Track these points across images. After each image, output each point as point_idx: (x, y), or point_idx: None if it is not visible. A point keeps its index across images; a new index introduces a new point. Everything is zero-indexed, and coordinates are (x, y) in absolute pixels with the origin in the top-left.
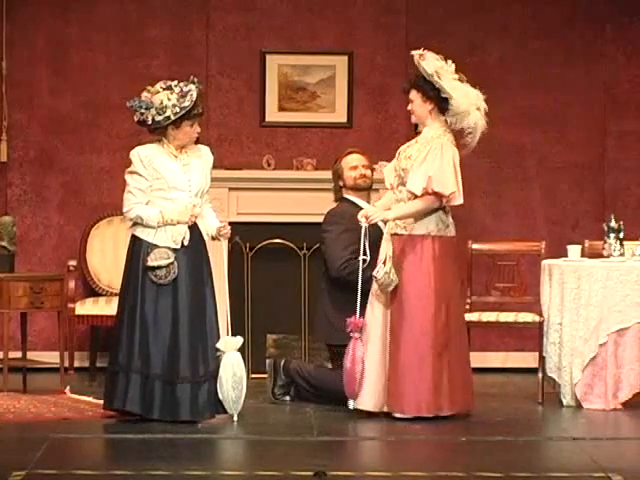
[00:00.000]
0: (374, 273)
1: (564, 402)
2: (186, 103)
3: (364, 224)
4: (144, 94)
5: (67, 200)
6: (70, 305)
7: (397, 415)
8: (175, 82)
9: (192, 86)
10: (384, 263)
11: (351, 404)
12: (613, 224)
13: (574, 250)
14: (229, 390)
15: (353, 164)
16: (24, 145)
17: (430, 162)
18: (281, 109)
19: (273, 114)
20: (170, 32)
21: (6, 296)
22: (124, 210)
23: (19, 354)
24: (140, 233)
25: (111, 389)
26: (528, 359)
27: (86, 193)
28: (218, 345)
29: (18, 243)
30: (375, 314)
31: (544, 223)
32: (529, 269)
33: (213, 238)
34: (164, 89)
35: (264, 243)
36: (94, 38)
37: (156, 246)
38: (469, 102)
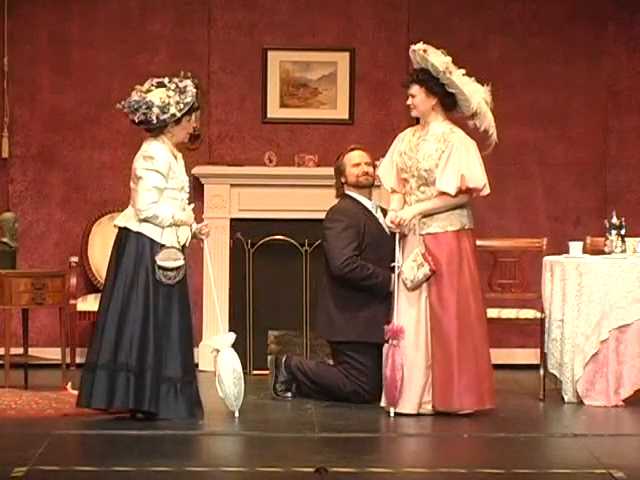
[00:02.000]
0: (404, 274)
1: (565, 399)
2: (188, 99)
3: (397, 231)
4: (135, 94)
5: (69, 196)
6: (72, 301)
7: (453, 411)
8: (167, 79)
9: (187, 81)
10: (420, 264)
11: (392, 412)
12: (615, 221)
13: (576, 247)
14: (230, 387)
15: (355, 161)
16: (26, 141)
17: (457, 160)
18: (283, 106)
19: (274, 111)
20: (171, 29)
21: (8, 292)
22: (141, 207)
23: (20, 350)
24: (148, 232)
25: (138, 389)
26: (529, 356)
27: (87, 189)
28: (211, 343)
29: (20, 239)
30: (406, 317)
31: (546, 220)
32: (530, 266)
33: (193, 237)
34: (157, 86)
35: (265, 239)
36: (95, 35)
37: (164, 246)
38: (480, 97)
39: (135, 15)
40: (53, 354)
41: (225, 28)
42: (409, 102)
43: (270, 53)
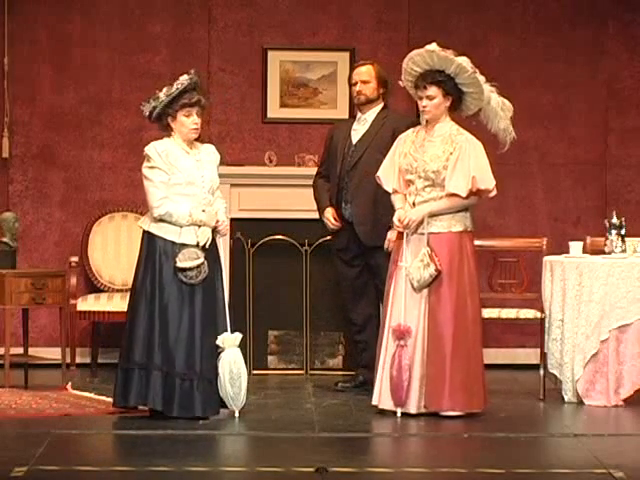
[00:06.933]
0: (411, 274)
1: (565, 398)
2: (173, 89)
3: (405, 231)
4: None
5: (69, 196)
6: (72, 301)
7: (447, 414)
8: None
9: (184, 76)
10: (426, 264)
11: (399, 412)
12: (615, 220)
13: (576, 246)
14: (226, 386)
15: (352, 80)
16: (26, 141)
17: (467, 161)
18: (283, 105)
19: (275, 110)
20: (172, 28)
21: (8, 292)
22: (153, 205)
23: (21, 350)
24: (158, 231)
25: (149, 387)
26: (530, 355)
27: (88, 189)
28: (217, 342)
29: (20, 239)
30: (409, 316)
31: (546, 219)
32: (531, 265)
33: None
34: None
35: (266, 239)
36: (96, 34)
37: (184, 246)
38: (496, 95)
39: (135, 15)
40: (53, 354)
41: (225, 28)
42: (424, 104)
43: (270, 53)
